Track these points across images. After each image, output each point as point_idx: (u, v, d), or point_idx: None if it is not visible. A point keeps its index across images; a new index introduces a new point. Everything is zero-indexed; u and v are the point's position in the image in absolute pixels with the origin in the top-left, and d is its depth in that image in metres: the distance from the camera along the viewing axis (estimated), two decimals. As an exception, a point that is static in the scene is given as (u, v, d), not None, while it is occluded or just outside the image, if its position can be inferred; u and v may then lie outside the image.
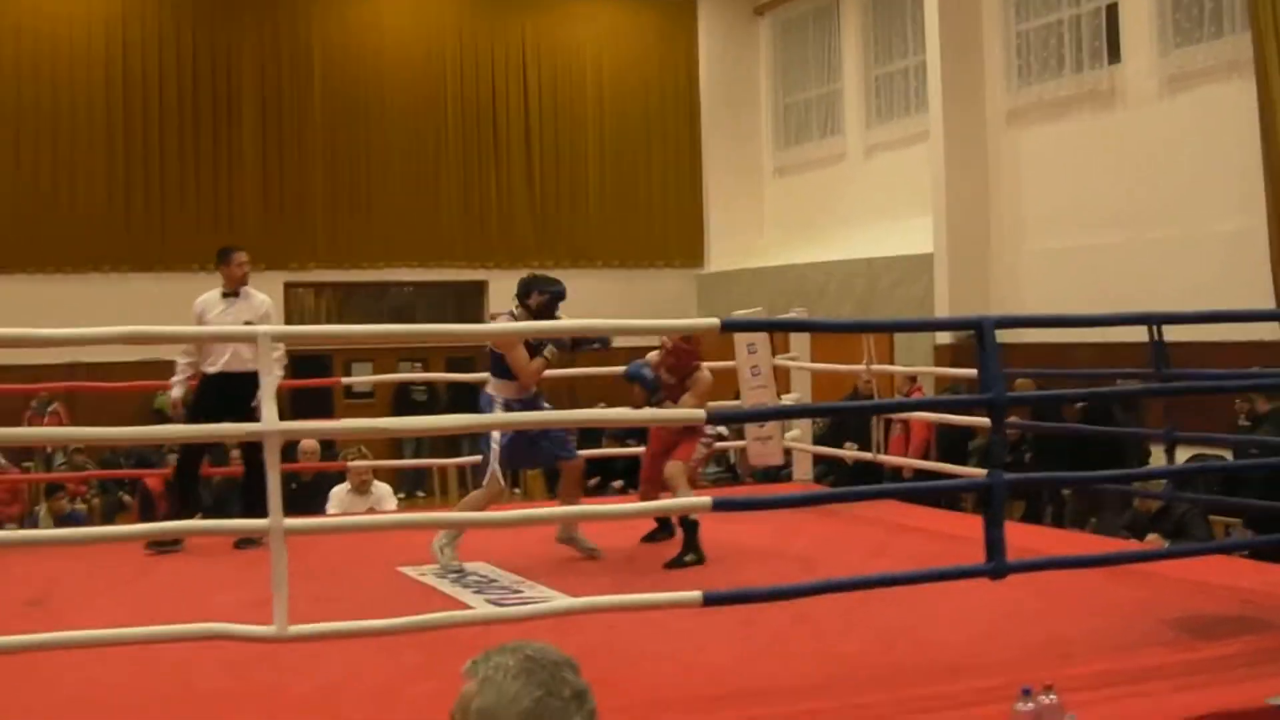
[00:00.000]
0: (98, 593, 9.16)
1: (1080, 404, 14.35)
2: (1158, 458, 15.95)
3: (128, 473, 17.70)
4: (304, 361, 22.90)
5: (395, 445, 21.49)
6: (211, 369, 11.10)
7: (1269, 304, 13.92)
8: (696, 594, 6.56)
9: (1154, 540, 11.22)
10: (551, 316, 9.86)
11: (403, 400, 22.86)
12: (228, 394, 10.71)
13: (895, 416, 16.15)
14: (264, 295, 11.68)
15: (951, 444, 16.24)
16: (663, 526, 10.53)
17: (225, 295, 11.43)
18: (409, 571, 9.54)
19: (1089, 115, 18.18)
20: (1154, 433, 10.79)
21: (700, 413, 7.72)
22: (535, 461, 11.45)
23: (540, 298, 9.86)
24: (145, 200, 23.10)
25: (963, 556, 7.67)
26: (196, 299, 11.58)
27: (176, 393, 11.43)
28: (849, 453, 15.17)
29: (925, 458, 15.94)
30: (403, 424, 9.54)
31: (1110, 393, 11.00)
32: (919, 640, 7.25)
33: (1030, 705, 5.52)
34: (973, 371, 7.33)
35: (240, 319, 11.03)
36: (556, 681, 2.84)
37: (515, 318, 9.96)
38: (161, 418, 20.95)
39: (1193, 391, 10.85)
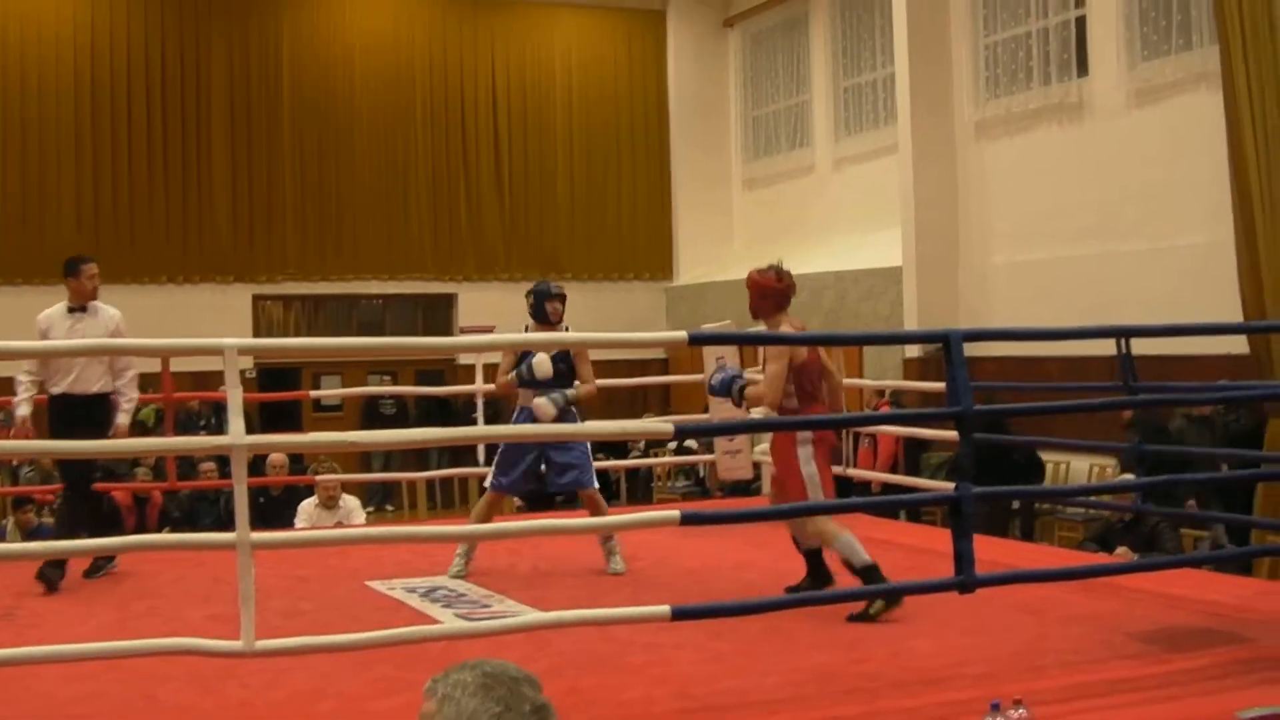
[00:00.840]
0: (66, 606, 9.13)
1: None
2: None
3: (95, 486, 17.59)
4: (273, 374, 22.90)
5: (364, 459, 21.43)
6: (55, 389, 10.15)
7: (1237, 317, 13.93)
8: (665, 608, 6.55)
9: (1123, 553, 11.24)
10: (542, 316, 10.16)
11: (371, 413, 22.79)
12: (67, 418, 9.97)
13: (863, 430, 16.16)
14: (114, 310, 10.53)
15: (918, 457, 16.30)
16: (814, 573, 8.98)
17: (71, 310, 10.31)
18: (377, 586, 9.52)
19: (1057, 128, 18.22)
20: (1121, 446, 10.80)
21: (668, 428, 7.65)
22: (540, 483, 10.73)
23: (529, 300, 10.23)
24: (114, 212, 22.98)
25: (932, 570, 7.67)
26: (39, 314, 10.37)
27: (23, 410, 10.14)
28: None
29: (893, 471, 15.97)
30: (370, 437, 9.47)
31: (1079, 405, 11.00)
32: (890, 653, 7.25)
33: (1000, 720, 5.51)
34: (941, 385, 7.33)
35: (88, 337, 10.04)
36: (515, 697, 2.83)
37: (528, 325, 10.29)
38: (143, 429, 20.91)
39: (1161, 404, 10.90)
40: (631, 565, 10.08)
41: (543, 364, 9.86)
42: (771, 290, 8.65)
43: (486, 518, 9.98)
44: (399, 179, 24.66)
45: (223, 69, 23.67)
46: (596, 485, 10.24)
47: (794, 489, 8.49)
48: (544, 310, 10.18)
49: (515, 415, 10.37)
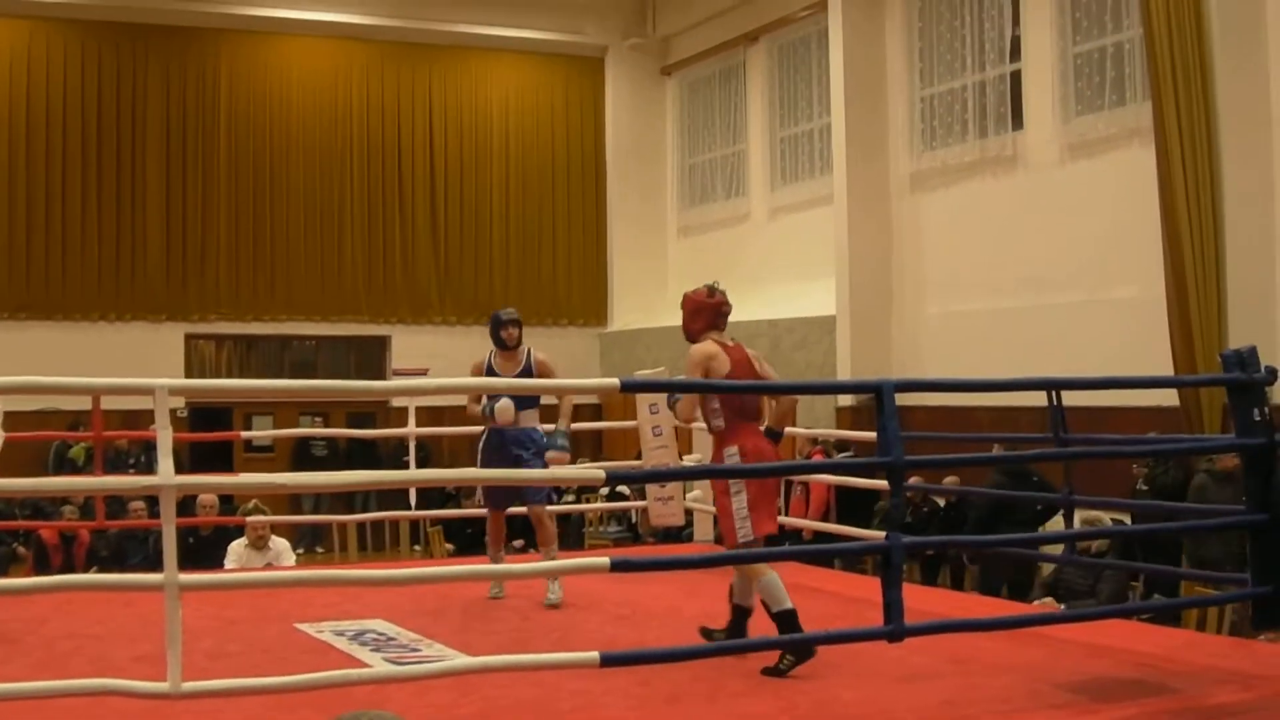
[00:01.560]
0: (-12, 646, 9.03)
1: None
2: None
3: (22, 524, 17.46)
4: (204, 413, 22.77)
5: (295, 500, 21.33)
6: None
7: (1168, 370, 14.06)
8: (594, 654, 6.53)
9: (1047, 603, 11.28)
10: (500, 341, 10.70)
11: (303, 455, 22.67)
12: None
13: (795, 479, 16.20)
14: None
15: (851, 505, 16.31)
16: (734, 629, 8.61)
17: None
18: (306, 628, 9.46)
19: (992, 180, 18.36)
20: (1052, 496, 10.85)
21: (599, 474, 7.62)
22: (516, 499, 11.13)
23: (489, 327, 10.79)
24: (46, 247, 22.87)
25: (862, 618, 7.68)
26: None
27: None
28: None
29: (825, 519, 16.00)
30: (301, 479, 9.44)
31: (1010, 457, 11.06)
32: (818, 701, 7.24)
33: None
34: (872, 435, 7.34)
35: None
36: None
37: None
38: (73, 467, 20.76)
39: (1090, 456, 10.95)
40: (562, 610, 10.07)
41: (505, 410, 10.15)
42: (702, 306, 8.59)
43: (499, 539, 10.84)
44: (334, 220, 24.63)
45: (159, 106, 23.61)
46: (546, 505, 10.74)
47: (723, 519, 8.36)
48: (499, 336, 10.67)
49: (484, 439, 10.71)
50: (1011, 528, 14.83)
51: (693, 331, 8.62)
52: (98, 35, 23.35)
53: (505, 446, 10.49)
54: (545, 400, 10.77)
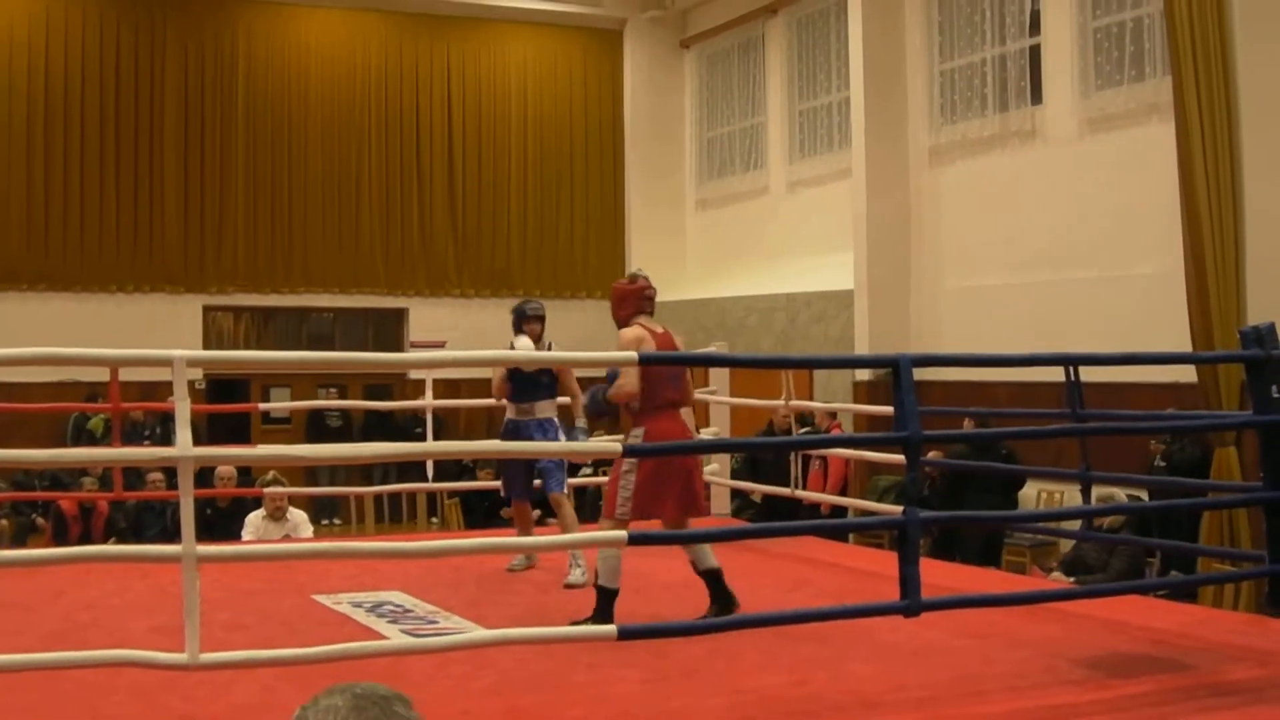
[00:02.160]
0: (8, 615, 9.07)
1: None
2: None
3: (41, 495, 17.52)
4: (222, 385, 22.78)
5: (309, 471, 21.33)
6: None
7: (1185, 346, 14.02)
8: (611, 628, 6.56)
9: (1059, 577, 11.28)
10: (521, 331, 10.86)
11: (317, 426, 22.70)
12: None
13: (814, 452, 16.20)
14: None
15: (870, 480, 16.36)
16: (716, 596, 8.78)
17: None
18: (323, 600, 9.49)
19: (1010, 155, 18.29)
20: (1069, 472, 10.84)
21: (616, 448, 7.67)
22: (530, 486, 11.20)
23: (512, 317, 11.03)
24: (64, 219, 22.85)
25: (878, 593, 7.69)
26: None
27: None
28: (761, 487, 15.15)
29: (843, 493, 16.00)
30: (318, 451, 9.47)
31: (1028, 432, 11.05)
32: (833, 675, 7.26)
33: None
34: (889, 409, 7.34)
35: None
36: (389, 716, 2.82)
37: None
38: (91, 439, 20.78)
39: (1107, 433, 10.95)
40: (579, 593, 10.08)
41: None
42: (626, 293, 8.89)
43: (526, 528, 11.06)
44: (351, 192, 24.59)
45: (176, 79, 23.57)
46: (564, 491, 10.70)
47: (609, 491, 8.66)
48: (523, 330, 10.82)
49: (503, 430, 10.94)
50: (975, 495, 14.96)
51: (621, 318, 8.91)
52: (115, 7, 23.31)
53: (522, 438, 10.57)
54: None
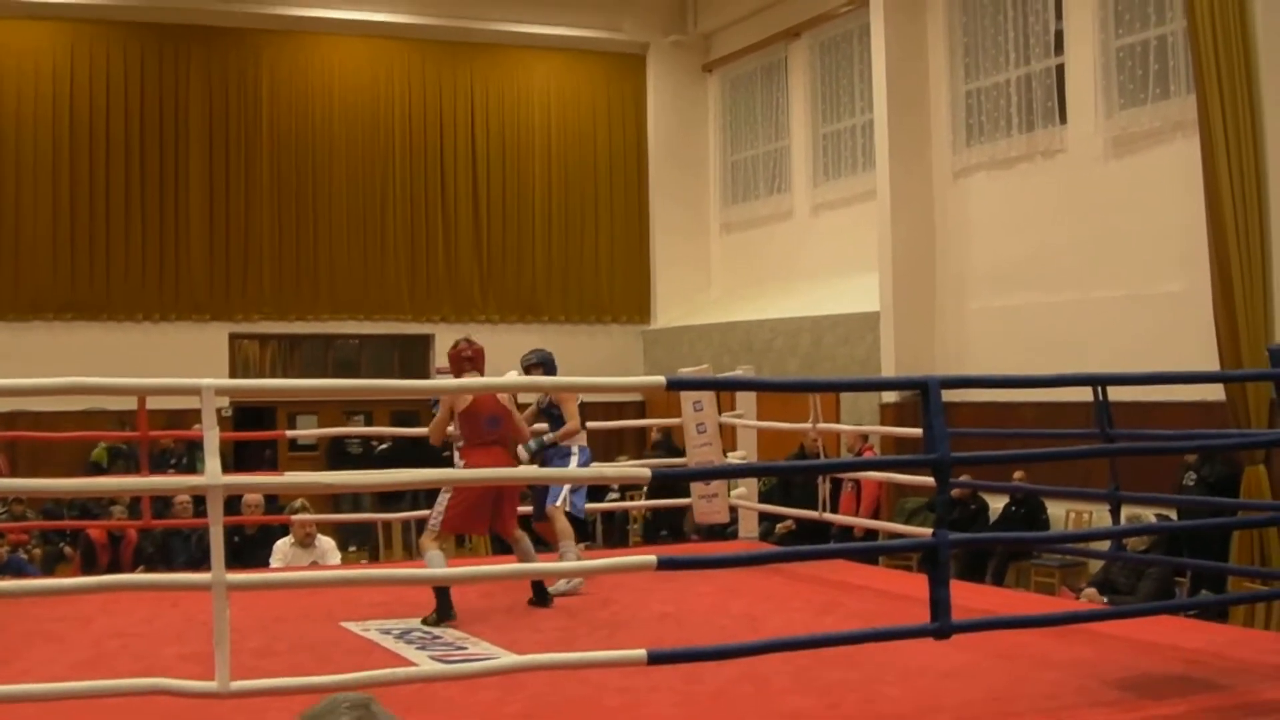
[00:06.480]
0: (38, 644, 9.07)
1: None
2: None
3: (69, 524, 17.55)
4: (248, 412, 22.84)
5: (333, 498, 21.34)
6: None
7: (1213, 365, 13.99)
8: (641, 652, 6.53)
9: (1091, 595, 11.23)
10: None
11: (337, 453, 22.70)
12: None
13: (845, 475, 16.17)
14: None
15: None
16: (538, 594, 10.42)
17: None
18: (352, 627, 9.48)
19: (1036, 175, 18.27)
20: (1098, 492, 10.80)
21: (645, 473, 7.63)
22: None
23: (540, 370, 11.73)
24: (90, 248, 22.94)
25: (909, 615, 7.65)
26: None
27: None
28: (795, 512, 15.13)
29: (875, 516, 15.97)
30: (345, 479, 9.48)
31: (1056, 453, 11.01)
32: (865, 697, 7.23)
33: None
34: (918, 431, 7.32)
35: None
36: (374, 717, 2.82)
37: None
38: (96, 469, 20.79)
39: (1136, 453, 10.90)
40: (607, 608, 10.07)
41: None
42: (454, 358, 10.45)
43: (564, 536, 11.15)
44: (376, 220, 24.65)
45: (201, 108, 23.67)
46: (558, 503, 11.16)
47: (436, 505, 10.05)
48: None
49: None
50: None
51: (456, 375, 10.33)
52: (140, 37, 23.41)
53: (545, 463, 11.28)
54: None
